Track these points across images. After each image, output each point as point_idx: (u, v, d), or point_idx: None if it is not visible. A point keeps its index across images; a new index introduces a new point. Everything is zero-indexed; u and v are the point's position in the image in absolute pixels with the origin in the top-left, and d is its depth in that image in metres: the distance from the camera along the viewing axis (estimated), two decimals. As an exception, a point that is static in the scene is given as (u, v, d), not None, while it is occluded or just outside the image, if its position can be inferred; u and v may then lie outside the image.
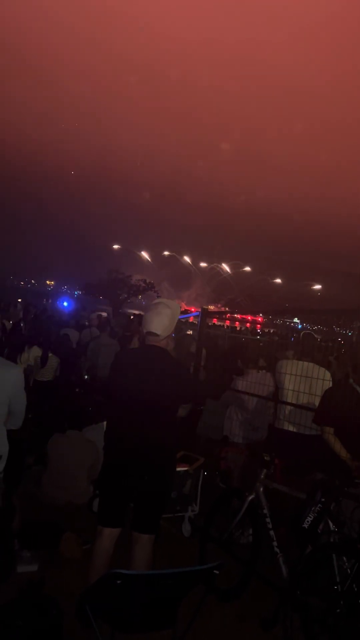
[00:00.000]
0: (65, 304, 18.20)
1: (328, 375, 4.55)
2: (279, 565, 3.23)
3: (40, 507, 4.49)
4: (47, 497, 4.64)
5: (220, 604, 3.31)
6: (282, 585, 3.13)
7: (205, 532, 3.83)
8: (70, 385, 8.10)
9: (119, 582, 1.92)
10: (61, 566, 3.59)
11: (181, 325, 11.10)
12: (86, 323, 12.27)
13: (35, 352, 7.40)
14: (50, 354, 7.44)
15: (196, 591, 2.19)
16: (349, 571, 2.76)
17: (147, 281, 38.35)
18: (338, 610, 2.65)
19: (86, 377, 8.68)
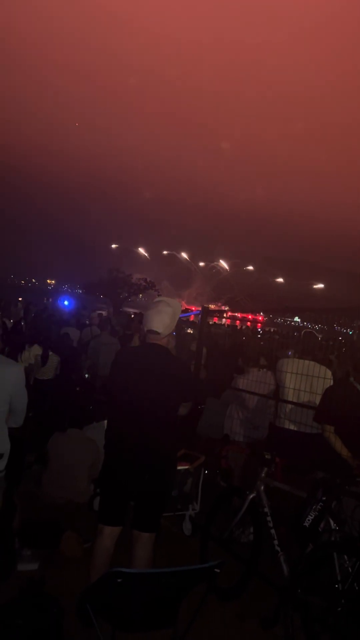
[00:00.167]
0: (65, 302, 18.18)
1: (329, 373, 4.54)
2: (279, 564, 3.23)
3: (41, 507, 4.48)
4: (47, 497, 4.64)
5: (220, 603, 3.31)
6: (283, 584, 3.12)
7: (206, 531, 3.83)
8: (71, 384, 8.10)
9: (119, 580, 1.92)
10: (62, 565, 3.59)
11: (182, 324, 11.11)
12: (87, 322, 12.27)
13: (36, 350, 7.40)
14: (50, 353, 7.44)
15: (197, 590, 2.19)
16: (350, 570, 2.75)
17: (148, 280, 38.35)
18: (339, 610, 2.65)
19: (87, 375, 8.68)
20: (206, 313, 6.15)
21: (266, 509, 3.45)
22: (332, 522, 3.06)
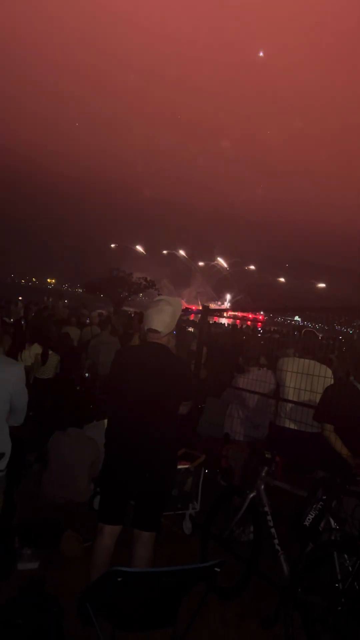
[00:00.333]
0: (66, 301, 18.17)
1: (329, 372, 4.54)
2: (279, 563, 3.22)
3: (41, 506, 4.48)
4: (47, 496, 4.64)
5: (220, 602, 3.31)
6: (283, 584, 3.12)
7: (206, 530, 3.83)
8: (71, 383, 8.09)
9: (119, 579, 1.92)
10: (62, 564, 3.58)
11: (182, 323, 11.10)
12: (87, 321, 12.26)
13: (36, 349, 7.40)
14: (50, 352, 7.44)
15: (197, 589, 2.19)
16: (350, 569, 2.75)
17: (148, 279, 38.32)
18: (339, 609, 2.64)
19: (87, 375, 8.66)
20: (206, 312, 6.15)
21: (266, 508, 3.45)
22: (332, 521, 3.06)
